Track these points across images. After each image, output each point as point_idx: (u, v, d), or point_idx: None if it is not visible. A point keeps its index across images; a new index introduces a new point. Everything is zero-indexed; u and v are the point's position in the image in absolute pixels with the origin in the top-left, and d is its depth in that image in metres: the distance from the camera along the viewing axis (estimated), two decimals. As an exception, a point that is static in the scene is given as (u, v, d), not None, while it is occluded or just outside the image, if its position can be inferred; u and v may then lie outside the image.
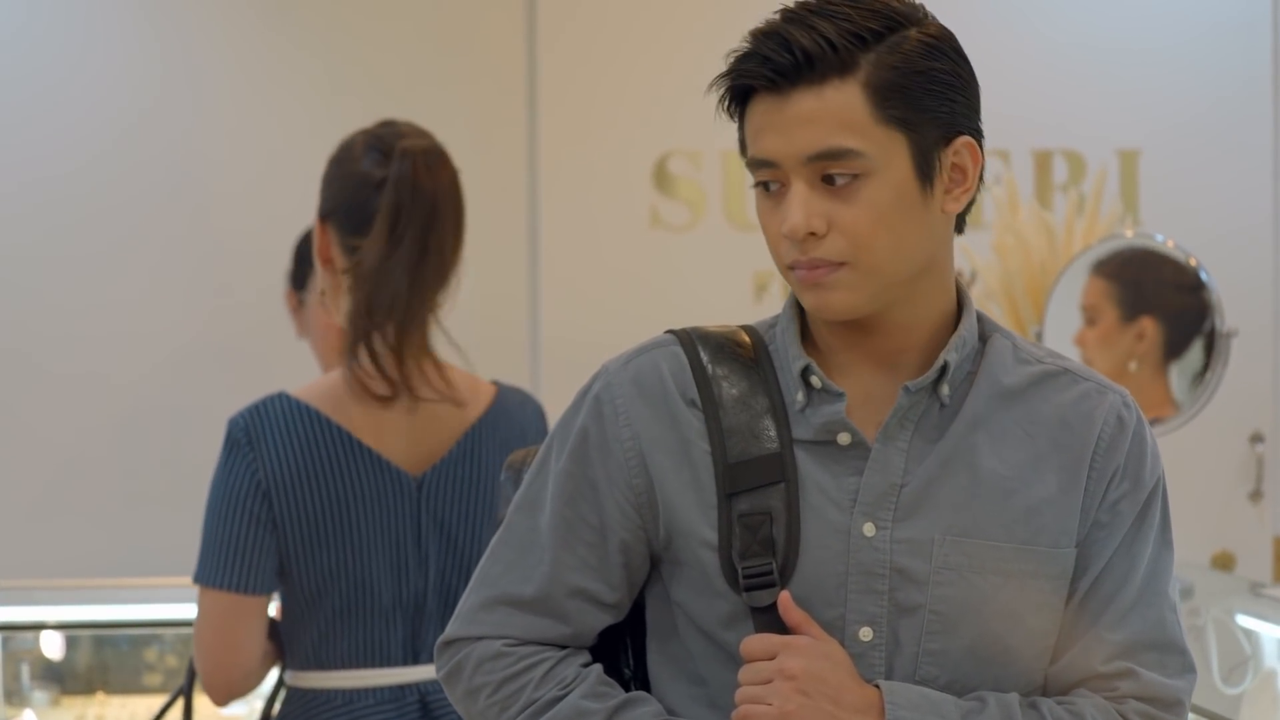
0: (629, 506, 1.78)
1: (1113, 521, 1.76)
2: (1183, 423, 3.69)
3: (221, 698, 2.65)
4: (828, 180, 1.69)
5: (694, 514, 1.76)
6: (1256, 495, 4.97)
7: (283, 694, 2.72)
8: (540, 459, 1.84)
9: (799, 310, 1.80)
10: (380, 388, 2.61)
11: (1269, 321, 4.98)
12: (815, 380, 1.75)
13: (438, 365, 2.66)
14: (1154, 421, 3.72)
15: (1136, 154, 4.99)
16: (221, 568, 2.57)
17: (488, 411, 2.69)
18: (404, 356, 2.61)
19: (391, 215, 2.60)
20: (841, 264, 1.70)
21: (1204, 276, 3.68)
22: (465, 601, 1.84)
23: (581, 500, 1.79)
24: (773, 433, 1.75)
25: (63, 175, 4.69)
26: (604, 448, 1.79)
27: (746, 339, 1.81)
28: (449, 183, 2.65)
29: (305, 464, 2.59)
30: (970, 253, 4.17)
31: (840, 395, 1.74)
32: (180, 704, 2.96)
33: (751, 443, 1.75)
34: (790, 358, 1.77)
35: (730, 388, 1.77)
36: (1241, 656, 3.28)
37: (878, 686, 1.71)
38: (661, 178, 4.91)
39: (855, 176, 1.68)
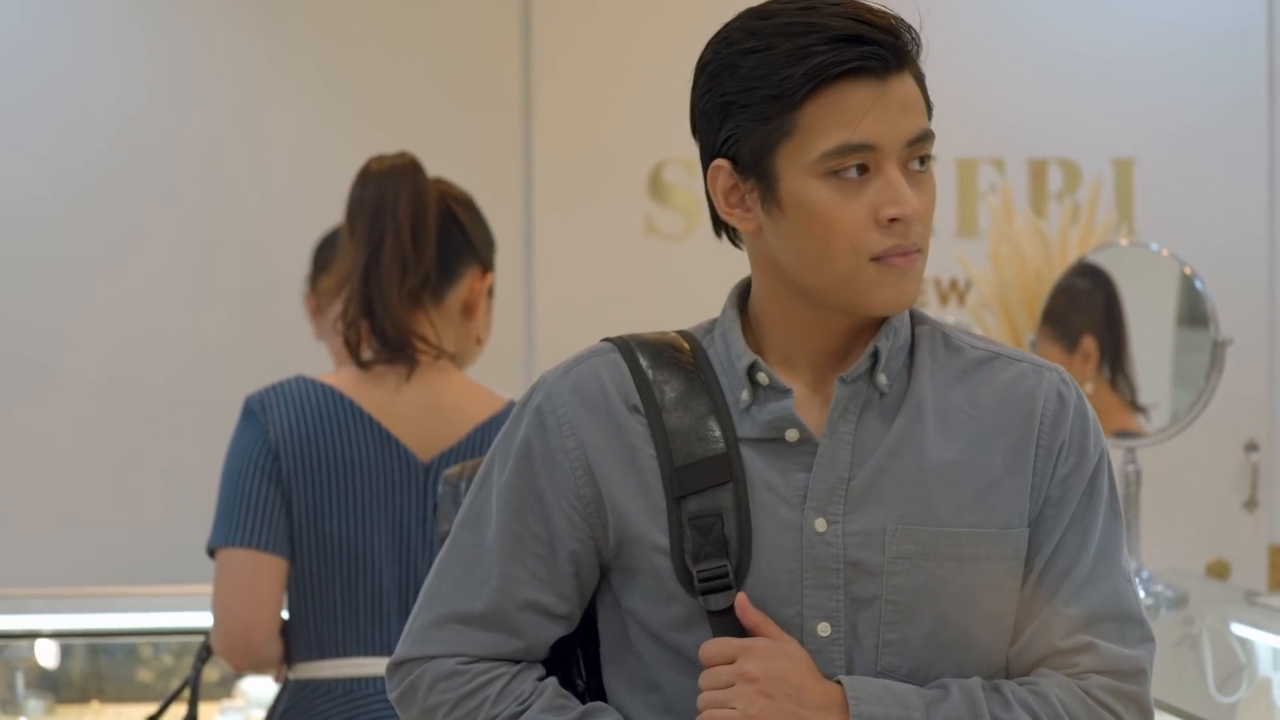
0: (577, 516, 1.78)
1: (1063, 497, 1.76)
2: (1178, 431, 3.69)
3: (243, 661, 2.66)
4: (913, 164, 1.72)
5: (643, 519, 1.76)
6: (1251, 504, 4.97)
7: (286, 693, 2.72)
8: (482, 474, 1.83)
9: (740, 311, 1.81)
10: (381, 370, 2.70)
11: (1264, 330, 4.99)
12: (762, 377, 1.76)
13: (434, 349, 2.71)
14: (1133, 434, 3.72)
15: (1131, 163, 5.00)
16: (238, 526, 2.63)
17: (499, 413, 2.75)
18: (388, 339, 2.68)
19: (347, 217, 2.71)
20: (919, 250, 1.73)
21: (1199, 285, 3.68)
22: (414, 621, 1.83)
23: (528, 513, 1.79)
24: (718, 433, 1.75)
25: (62, 181, 4.69)
26: (548, 459, 1.78)
27: (684, 344, 1.81)
28: (402, 177, 2.70)
29: (315, 429, 2.65)
30: (965, 261, 4.17)
31: (788, 392, 1.75)
32: (173, 708, 2.96)
33: (697, 444, 1.75)
34: (734, 356, 1.78)
35: (671, 391, 1.77)
36: (1236, 665, 3.28)
37: (839, 682, 1.71)
38: (656, 186, 4.91)
39: (928, 159, 1.73)
